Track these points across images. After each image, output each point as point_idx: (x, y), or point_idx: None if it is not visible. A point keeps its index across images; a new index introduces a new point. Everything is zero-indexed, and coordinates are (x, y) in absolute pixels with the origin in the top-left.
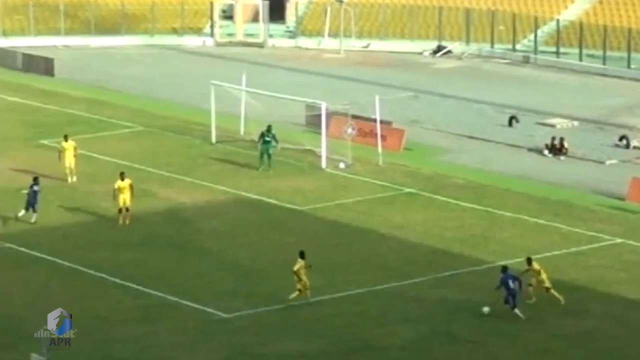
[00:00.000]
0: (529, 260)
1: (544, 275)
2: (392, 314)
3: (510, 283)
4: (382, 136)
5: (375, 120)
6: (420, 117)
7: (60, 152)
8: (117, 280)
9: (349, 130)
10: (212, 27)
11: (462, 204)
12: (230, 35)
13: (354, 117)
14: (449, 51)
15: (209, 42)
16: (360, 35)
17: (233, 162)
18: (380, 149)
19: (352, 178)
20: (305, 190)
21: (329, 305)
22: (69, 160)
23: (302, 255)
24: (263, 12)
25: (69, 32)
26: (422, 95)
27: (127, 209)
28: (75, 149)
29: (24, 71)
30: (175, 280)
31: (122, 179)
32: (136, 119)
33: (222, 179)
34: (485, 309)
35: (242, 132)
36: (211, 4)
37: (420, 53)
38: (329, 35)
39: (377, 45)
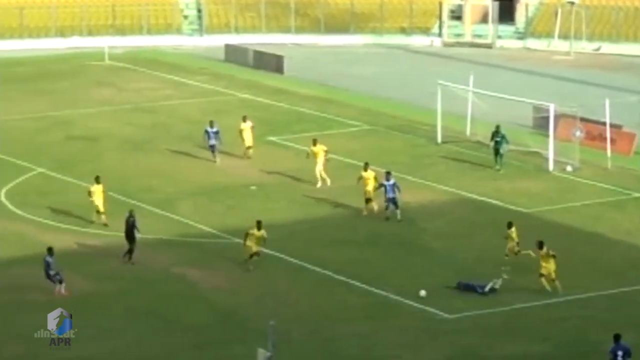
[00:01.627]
0: (509, 224)
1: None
2: (621, 319)
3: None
4: (611, 139)
5: (604, 124)
6: None
7: (309, 154)
8: (342, 278)
9: (577, 133)
10: (440, 27)
11: None
12: (458, 35)
13: (583, 119)
14: None
15: (437, 42)
16: (591, 38)
17: (458, 162)
18: (609, 153)
19: (579, 181)
20: (531, 192)
21: (554, 308)
22: (319, 164)
23: (540, 245)
24: (492, 13)
25: (299, 30)
26: None
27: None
28: (325, 152)
29: (255, 68)
30: (398, 279)
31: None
32: (363, 118)
33: (447, 179)
34: (422, 292)
35: (468, 132)
36: (440, 4)
37: None
38: (559, 37)
39: (608, 47)
